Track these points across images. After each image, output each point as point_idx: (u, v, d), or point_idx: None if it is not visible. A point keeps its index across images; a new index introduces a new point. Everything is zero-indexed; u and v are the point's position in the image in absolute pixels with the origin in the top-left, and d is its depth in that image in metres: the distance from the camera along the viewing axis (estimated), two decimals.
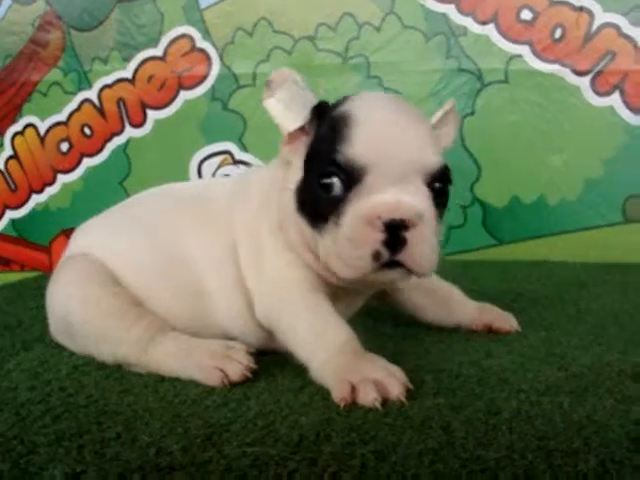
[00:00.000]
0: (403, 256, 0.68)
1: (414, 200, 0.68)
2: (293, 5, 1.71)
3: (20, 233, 1.89)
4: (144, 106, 1.80)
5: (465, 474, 0.52)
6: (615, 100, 1.55)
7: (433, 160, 0.71)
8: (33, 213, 1.88)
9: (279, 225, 0.80)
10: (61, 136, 1.85)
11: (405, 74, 1.67)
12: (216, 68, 1.76)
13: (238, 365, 0.73)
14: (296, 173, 0.77)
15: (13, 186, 1.88)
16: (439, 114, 0.83)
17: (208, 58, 1.76)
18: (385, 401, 0.65)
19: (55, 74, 1.83)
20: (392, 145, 0.70)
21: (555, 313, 1.04)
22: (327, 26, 1.70)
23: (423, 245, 0.68)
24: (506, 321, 0.93)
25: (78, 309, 0.81)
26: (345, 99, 0.78)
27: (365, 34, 1.68)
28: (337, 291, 0.80)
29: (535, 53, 1.59)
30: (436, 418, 0.63)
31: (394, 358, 0.72)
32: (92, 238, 0.89)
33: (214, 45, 1.75)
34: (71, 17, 1.80)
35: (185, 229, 0.85)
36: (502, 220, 1.65)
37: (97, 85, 1.81)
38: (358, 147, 0.69)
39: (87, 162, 1.84)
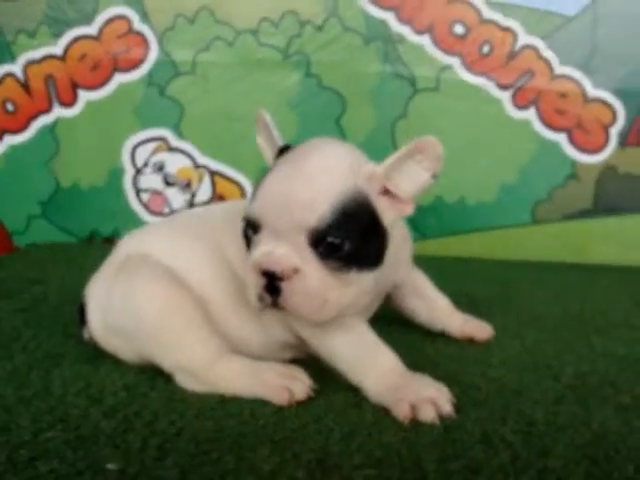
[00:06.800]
0: (282, 302, 0.76)
1: (288, 254, 0.74)
2: None
3: None
4: (75, 86, 1.73)
5: None
6: (531, 114, 1.75)
7: (315, 218, 0.73)
8: None
9: None
10: None
11: (343, 75, 1.75)
12: (154, 53, 1.74)
13: (302, 384, 0.80)
14: None
15: None
16: (395, 156, 0.79)
17: (145, 42, 1.73)
18: (440, 416, 0.77)
19: None
20: (279, 203, 0.75)
21: (511, 318, 1.20)
22: (270, 21, 1.73)
23: (299, 296, 0.75)
24: (485, 331, 1.07)
25: (157, 312, 0.81)
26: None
27: (307, 33, 1.74)
28: None
29: (464, 65, 1.73)
30: (490, 431, 0.75)
31: (415, 369, 0.84)
32: (152, 243, 0.91)
33: (153, 29, 1.72)
34: None
35: (229, 246, 0.90)
36: (426, 217, 1.80)
37: (21, 59, 1.72)
38: (256, 203, 0.77)
39: (9, 140, 1.75)
